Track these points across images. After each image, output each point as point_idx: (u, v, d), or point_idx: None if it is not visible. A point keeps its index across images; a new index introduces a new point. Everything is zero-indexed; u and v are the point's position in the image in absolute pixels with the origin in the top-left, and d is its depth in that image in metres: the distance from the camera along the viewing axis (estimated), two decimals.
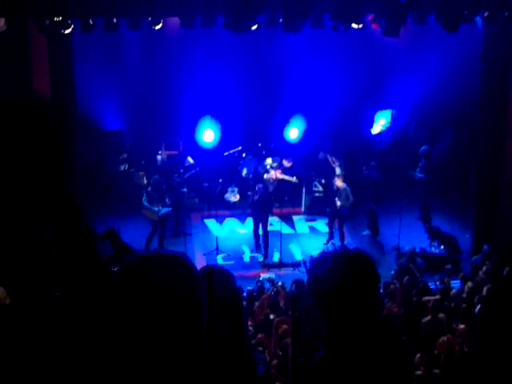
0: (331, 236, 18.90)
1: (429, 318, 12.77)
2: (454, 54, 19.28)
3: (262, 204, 18.18)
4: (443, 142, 21.77)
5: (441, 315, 12.79)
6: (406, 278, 15.19)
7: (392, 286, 14.51)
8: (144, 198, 18.36)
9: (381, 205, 19.32)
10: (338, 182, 18.38)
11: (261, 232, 18.46)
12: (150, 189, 18.46)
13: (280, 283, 15.59)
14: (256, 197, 18.26)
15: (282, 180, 19.87)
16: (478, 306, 13.15)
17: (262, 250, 18.41)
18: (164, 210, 18.26)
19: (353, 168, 20.24)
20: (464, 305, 13.68)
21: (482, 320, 12.54)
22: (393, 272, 16.13)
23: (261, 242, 18.48)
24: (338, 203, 18.30)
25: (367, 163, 20.10)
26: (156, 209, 18.11)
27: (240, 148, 20.57)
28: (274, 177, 19.59)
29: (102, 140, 21.72)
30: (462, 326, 12.26)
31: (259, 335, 12.67)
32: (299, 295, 13.99)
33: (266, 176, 19.58)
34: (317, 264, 3.47)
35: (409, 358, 4.08)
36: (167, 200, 18.55)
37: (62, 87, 16.26)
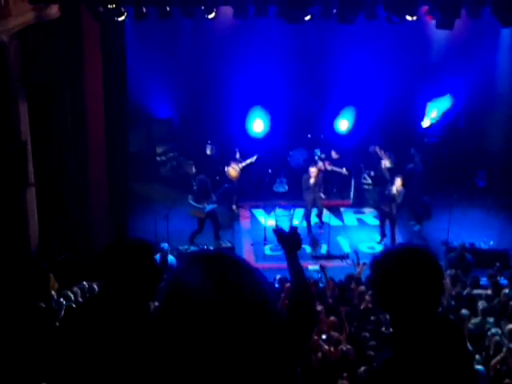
0: (383, 235, 18.74)
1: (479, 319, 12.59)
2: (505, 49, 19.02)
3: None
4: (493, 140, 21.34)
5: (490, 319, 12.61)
6: (453, 271, 15.04)
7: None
8: (190, 197, 18.51)
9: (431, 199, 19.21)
10: (398, 186, 18.04)
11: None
12: (195, 187, 18.53)
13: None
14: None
15: (332, 171, 19.74)
16: None
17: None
18: (210, 207, 18.26)
19: (401, 161, 20.04)
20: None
21: None
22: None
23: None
24: (394, 209, 18.14)
25: (413, 157, 19.87)
26: (201, 206, 18.16)
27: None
28: (322, 168, 19.32)
29: (151, 127, 21.87)
30: (510, 326, 12.05)
31: None
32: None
33: (311, 169, 19.11)
34: (380, 261, 3.40)
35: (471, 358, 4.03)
36: (213, 196, 18.58)
37: (114, 75, 16.41)
